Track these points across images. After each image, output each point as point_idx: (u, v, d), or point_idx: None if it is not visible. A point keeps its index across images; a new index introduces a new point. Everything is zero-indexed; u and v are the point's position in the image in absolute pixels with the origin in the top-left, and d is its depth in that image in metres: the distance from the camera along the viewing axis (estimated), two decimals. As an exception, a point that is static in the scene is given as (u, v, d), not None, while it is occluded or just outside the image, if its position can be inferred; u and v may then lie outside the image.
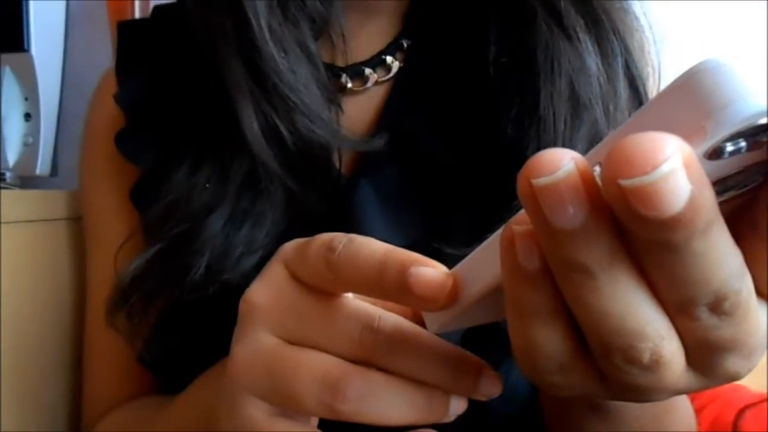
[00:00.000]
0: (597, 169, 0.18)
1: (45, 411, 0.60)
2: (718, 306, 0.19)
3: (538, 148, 0.42)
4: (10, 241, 0.57)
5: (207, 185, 0.45)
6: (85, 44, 0.89)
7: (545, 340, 0.21)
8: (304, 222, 0.45)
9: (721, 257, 0.18)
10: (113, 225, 0.51)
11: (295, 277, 0.27)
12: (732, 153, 0.17)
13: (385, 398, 0.26)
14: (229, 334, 0.44)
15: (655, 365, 0.20)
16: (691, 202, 0.16)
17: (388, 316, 0.26)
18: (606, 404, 0.32)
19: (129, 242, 0.49)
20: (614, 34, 0.44)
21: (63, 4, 0.89)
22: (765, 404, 0.70)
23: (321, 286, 0.27)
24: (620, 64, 0.44)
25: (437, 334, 0.26)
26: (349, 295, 0.27)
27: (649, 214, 0.16)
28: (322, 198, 0.45)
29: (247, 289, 0.28)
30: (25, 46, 0.84)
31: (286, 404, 0.26)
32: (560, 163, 0.18)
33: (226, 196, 0.45)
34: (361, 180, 0.46)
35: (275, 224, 0.45)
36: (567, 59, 0.44)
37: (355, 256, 0.25)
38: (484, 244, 0.24)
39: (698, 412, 0.70)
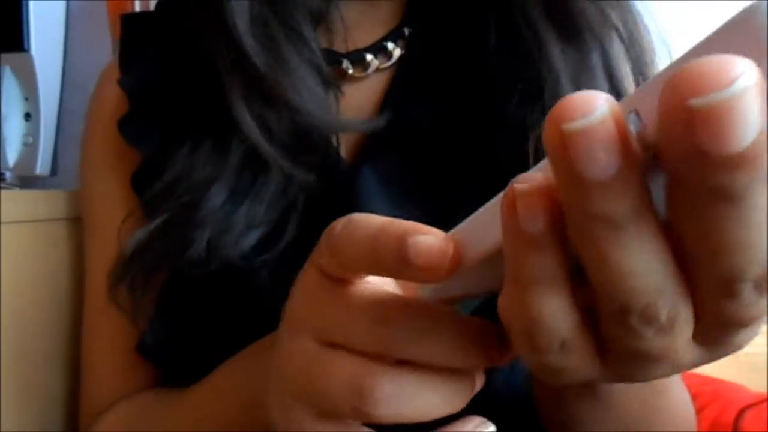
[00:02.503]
0: (632, 116, 0.17)
1: (42, 411, 0.60)
2: (764, 281, 0.18)
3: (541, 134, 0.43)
4: (10, 241, 0.57)
5: (207, 161, 0.46)
6: (85, 44, 0.89)
7: (547, 312, 0.20)
8: (305, 202, 0.45)
9: None
10: (113, 212, 0.51)
11: (322, 273, 0.26)
12: None
13: (416, 394, 0.24)
14: (229, 318, 0.45)
15: (670, 326, 0.19)
16: (761, 136, 0.15)
17: (399, 303, 0.25)
18: (598, 390, 0.32)
19: (132, 222, 0.49)
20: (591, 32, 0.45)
21: (63, 4, 0.89)
22: (765, 404, 0.70)
23: (334, 274, 0.26)
24: (599, 60, 0.44)
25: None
26: (370, 278, 0.26)
27: (714, 147, 0.15)
28: (322, 180, 0.45)
29: (289, 298, 0.28)
30: (25, 46, 0.84)
31: (325, 410, 0.25)
32: (593, 105, 0.16)
33: (226, 171, 0.45)
34: (364, 165, 0.46)
35: (274, 202, 0.45)
36: (570, 48, 0.44)
37: (352, 234, 0.24)
38: (485, 206, 0.22)
39: (698, 412, 0.70)
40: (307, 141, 0.45)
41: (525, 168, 0.43)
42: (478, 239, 0.22)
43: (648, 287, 0.18)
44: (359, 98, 0.49)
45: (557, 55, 0.44)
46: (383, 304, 0.25)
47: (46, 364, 0.61)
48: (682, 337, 0.20)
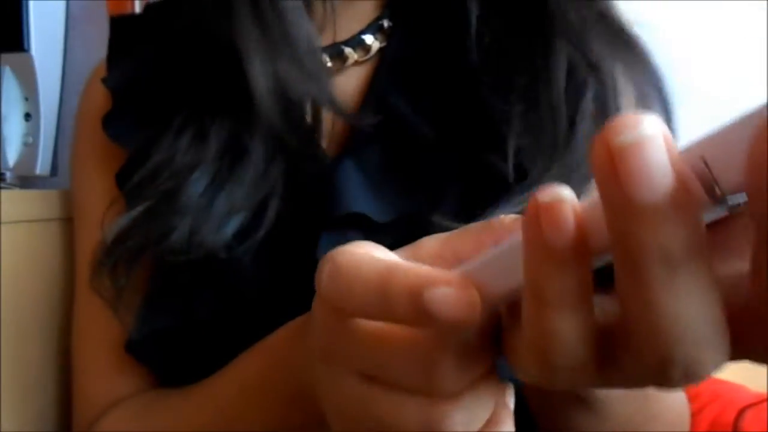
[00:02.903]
0: (700, 164, 0.16)
1: (41, 411, 0.60)
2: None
3: (524, 124, 0.43)
4: (10, 241, 0.57)
5: (188, 148, 0.46)
6: (85, 44, 0.89)
7: (567, 334, 0.18)
8: (284, 188, 0.45)
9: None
10: (101, 208, 0.51)
11: (334, 309, 0.25)
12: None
13: (481, 411, 0.24)
14: (214, 307, 0.44)
15: (708, 376, 0.18)
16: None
17: (434, 338, 0.23)
18: (593, 397, 0.31)
19: (114, 214, 0.48)
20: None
21: (63, 4, 0.89)
22: (765, 404, 0.70)
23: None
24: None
25: None
26: None
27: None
28: (302, 167, 0.46)
29: (311, 332, 0.27)
30: (25, 46, 0.84)
31: None
32: (644, 121, 0.15)
33: (207, 156, 0.46)
34: (345, 156, 0.46)
35: (254, 187, 0.45)
36: (563, 43, 0.45)
37: (350, 287, 0.23)
38: (502, 245, 0.21)
39: (698, 412, 0.70)
40: (300, 117, 0.46)
41: (506, 160, 0.41)
42: (495, 280, 0.21)
43: (698, 339, 0.17)
44: (339, 91, 0.49)
45: (540, 47, 0.45)
46: (422, 344, 0.23)
47: (46, 363, 0.61)
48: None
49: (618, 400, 0.32)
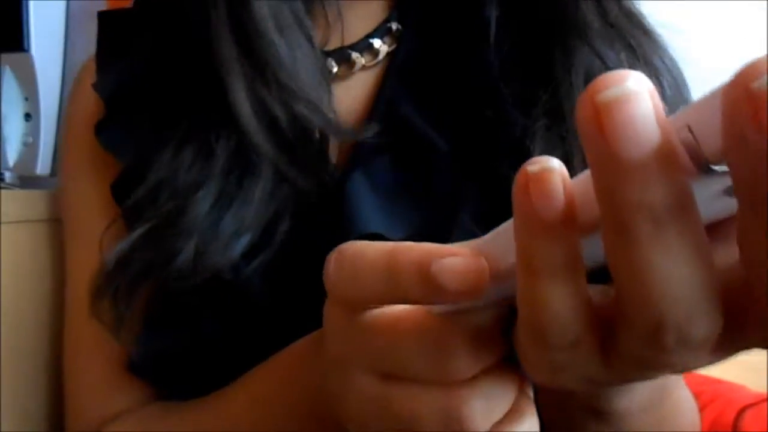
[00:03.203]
0: (684, 133, 0.16)
1: (42, 411, 0.60)
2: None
3: (547, 137, 0.41)
4: (10, 241, 0.57)
5: (192, 164, 0.43)
6: (85, 44, 0.89)
7: (560, 306, 0.18)
8: (294, 206, 0.43)
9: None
10: (96, 222, 0.48)
11: (345, 307, 0.25)
12: None
13: (501, 397, 0.24)
14: (222, 329, 0.43)
15: (703, 345, 0.18)
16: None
17: (448, 324, 0.23)
18: (609, 410, 0.30)
19: (114, 233, 0.46)
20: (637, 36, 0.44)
21: (63, 4, 0.89)
22: (765, 404, 0.70)
23: (356, 307, 0.24)
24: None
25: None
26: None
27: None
28: (314, 184, 0.44)
29: (323, 337, 0.27)
30: (25, 46, 0.84)
31: None
32: (626, 76, 0.15)
33: (212, 174, 0.43)
34: (355, 171, 0.44)
35: (264, 204, 0.43)
36: (584, 51, 0.43)
37: (355, 271, 0.23)
38: (509, 221, 0.20)
39: (698, 412, 0.70)
40: (300, 137, 0.43)
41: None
42: (503, 253, 0.21)
43: (690, 301, 0.17)
44: (345, 98, 0.47)
45: (560, 55, 0.43)
46: (433, 331, 0.23)
47: (46, 363, 0.61)
48: (705, 352, 0.18)
49: (637, 413, 0.31)
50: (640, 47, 0.44)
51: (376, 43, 0.47)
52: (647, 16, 0.46)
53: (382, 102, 0.46)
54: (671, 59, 0.45)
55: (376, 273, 0.22)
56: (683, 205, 0.16)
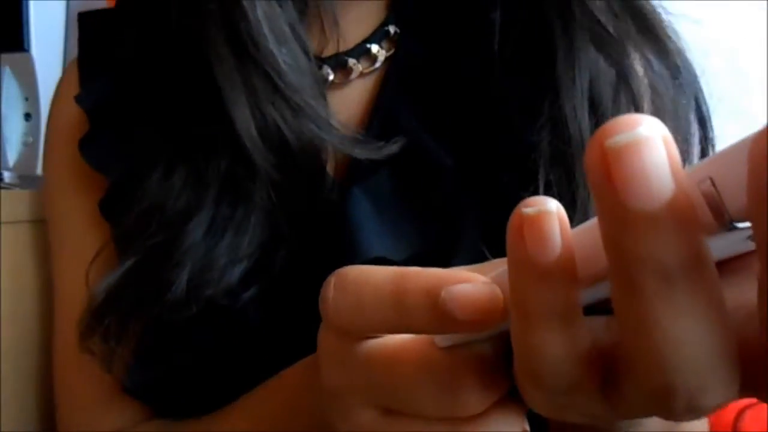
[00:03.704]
0: (707, 185, 0.15)
1: (42, 411, 0.60)
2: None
3: (553, 150, 0.39)
4: (10, 241, 0.57)
5: (182, 191, 0.41)
6: (85, 44, 0.89)
7: (555, 352, 0.17)
8: (292, 230, 0.41)
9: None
10: (84, 238, 0.46)
11: (342, 337, 0.23)
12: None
13: (506, 421, 0.22)
14: (215, 357, 0.41)
15: (718, 408, 0.17)
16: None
17: (456, 361, 0.22)
18: None
19: (101, 256, 0.44)
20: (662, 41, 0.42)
21: (63, 4, 0.89)
22: (765, 404, 0.70)
23: (354, 336, 0.23)
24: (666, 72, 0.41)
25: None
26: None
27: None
28: (311, 202, 0.41)
29: (320, 368, 0.25)
30: (25, 46, 0.84)
31: None
32: (639, 122, 0.14)
33: (204, 202, 0.41)
34: (354, 188, 0.42)
35: (260, 230, 0.41)
36: (588, 55, 0.41)
37: (359, 298, 0.21)
38: None
39: None
40: (298, 150, 0.41)
41: (530, 183, 0.37)
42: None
43: (703, 369, 0.15)
44: (344, 108, 0.44)
45: (564, 55, 0.41)
46: (440, 365, 0.22)
47: (46, 363, 0.60)
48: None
49: None
50: (651, 50, 0.42)
51: (374, 48, 0.45)
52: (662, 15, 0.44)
53: (381, 112, 0.44)
54: (686, 61, 0.43)
55: (382, 300, 0.21)
56: (697, 264, 0.15)
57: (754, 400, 0.72)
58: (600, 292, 0.18)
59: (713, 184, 0.14)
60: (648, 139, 0.14)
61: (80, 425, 0.47)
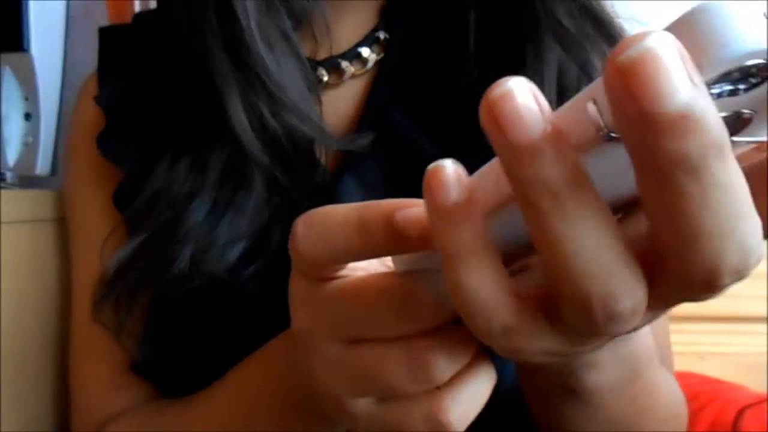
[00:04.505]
0: (590, 105, 0.18)
1: (42, 411, 0.60)
2: (740, 275, 0.17)
3: None
4: (10, 241, 0.57)
5: (187, 176, 0.46)
6: (85, 44, 0.89)
7: (477, 290, 0.20)
8: (287, 212, 0.45)
9: (743, 202, 0.16)
10: (99, 228, 0.50)
11: (310, 277, 0.26)
12: (725, 94, 0.17)
13: (463, 350, 0.25)
14: (220, 333, 0.44)
15: (635, 313, 0.19)
16: (696, 104, 0.15)
17: (408, 284, 0.24)
18: (583, 388, 0.31)
19: (114, 241, 0.48)
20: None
21: (63, 4, 0.89)
22: (765, 404, 0.70)
23: (321, 275, 0.26)
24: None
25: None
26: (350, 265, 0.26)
27: (647, 103, 0.15)
28: (305, 190, 0.45)
29: (290, 312, 0.28)
30: (25, 46, 0.84)
31: (389, 396, 0.25)
32: (509, 81, 0.18)
33: (206, 185, 0.45)
34: (345, 174, 0.46)
35: (257, 213, 0.45)
36: (554, 53, 0.45)
37: (327, 230, 0.24)
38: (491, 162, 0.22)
39: (698, 412, 0.70)
40: (291, 145, 0.45)
41: None
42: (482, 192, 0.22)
43: (605, 275, 0.18)
44: (336, 106, 0.49)
45: (532, 52, 0.45)
46: (396, 286, 0.24)
47: (46, 363, 0.61)
48: (639, 316, 0.20)
49: (608, 390, 0.32)
50: (608, 46, 0.46)
51: (365, 51, 0.49)
52: (635, 14, 0.47)
53: (372, 108, 0.48)
54: None
55: (348, 228, 0.24)
56: (576, 182, 0.18)
57: (754, 400, 0.73)
58: (509, 225, 0.20)
59: (595, 103, 0.17)
60: (515, 88, 0.18)
61: (93, 407, 0.51)
